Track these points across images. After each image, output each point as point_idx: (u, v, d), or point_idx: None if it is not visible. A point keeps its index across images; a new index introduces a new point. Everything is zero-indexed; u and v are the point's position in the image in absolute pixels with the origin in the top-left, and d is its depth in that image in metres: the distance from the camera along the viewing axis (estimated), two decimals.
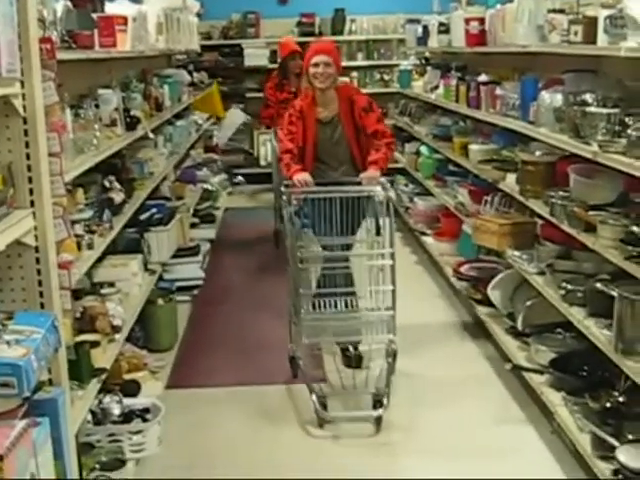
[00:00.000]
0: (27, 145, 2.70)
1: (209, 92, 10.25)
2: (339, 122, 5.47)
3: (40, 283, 2.80)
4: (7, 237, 2.45)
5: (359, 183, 5.19)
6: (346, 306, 5.21)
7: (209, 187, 8.70)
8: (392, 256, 4.96)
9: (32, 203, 2.75)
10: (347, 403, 4.81)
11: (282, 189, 5.19)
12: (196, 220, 7.99)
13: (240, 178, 11.06)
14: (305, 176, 5.17)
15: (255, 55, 11.19)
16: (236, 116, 10.70)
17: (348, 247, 5.38)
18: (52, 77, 2.89)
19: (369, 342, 5.16)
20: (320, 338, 5.14)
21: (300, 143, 5.44)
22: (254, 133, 10.99)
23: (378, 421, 4.52)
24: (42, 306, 2.81)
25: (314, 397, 4.62)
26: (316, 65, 5.33)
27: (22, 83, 2.65)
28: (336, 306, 5.20)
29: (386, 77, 11.37)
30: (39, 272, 2.79)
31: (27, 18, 2.63)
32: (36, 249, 2.78)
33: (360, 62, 11.46)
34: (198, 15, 9.56)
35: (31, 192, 2.74)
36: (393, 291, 4.97)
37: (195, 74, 9.69)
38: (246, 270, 7.61)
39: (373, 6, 11.21)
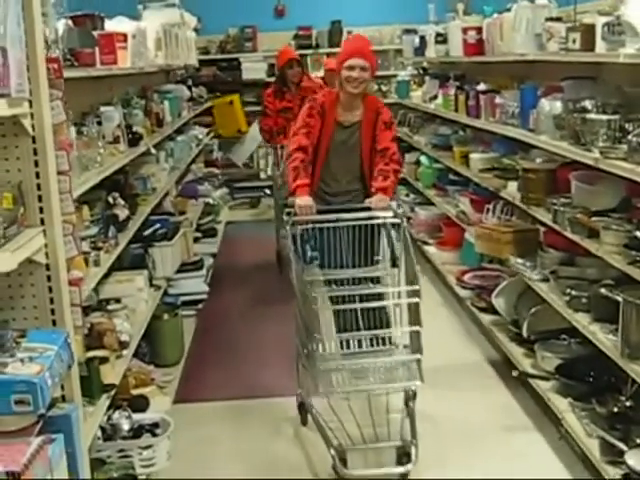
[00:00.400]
0: (36, 164, 2.73)
1: (229, 107, 10.24)
2: (359, 129, 5.04)
3: (52, 300, 2.83)
4: (19, 256, 2.47)
5: (368, 208, 4.73)
6: (359, 346, 4.62)
7: (211, 201, 8.72)
8: (417, 293, 4.28)
9: (42, 221, 2.78)
10: (366, 454, 4.26)
11: (284, 217, 4.68)
12: (198, 234, 8.01)
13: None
14: (308, 202, 4.70)
15: (253, 69, 11.19)
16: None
17: (360, 281, 4.81)
18: (60, 96, 2.92)
19: (389, 389, 4.46)
20: (338, 388, 4.29)
21: (315, 141, 5.00)
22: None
23: (404, 478, 4.02)
24: (54, 323, 2.83)
25: (333, 452, 4.07)
26: (351, 68, 4.87)
27: (30, 103, 2.68)
28: (348, 346, 4.62)
29: (384, 88, 11.39)
30: (50, 290, 2.81)
31: (34, 39, 2.66)
32: (47, 267, 2.81)
33: None
34: (195, 30, 9.59)
35: (41, 210, 2.76)
36: (418, 332, 4.31)
37: (194, 89, 9.72)
38: (249, 283, 7.62)
39: (369, 17, 11.23)
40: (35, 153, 2.72)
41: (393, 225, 4.69)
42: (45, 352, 2.49)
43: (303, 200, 4.71)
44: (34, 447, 2.31)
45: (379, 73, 11.38)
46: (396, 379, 4.32)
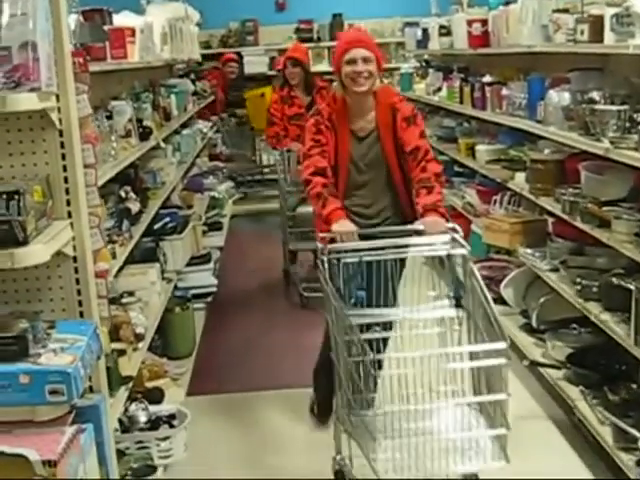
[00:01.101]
0: (63, 157, 2.75)
1: (261, 99, 10.26)
2: (378, 138, 4.19)
3: (79, 292, 2.86)
4: (50, 248, 2.51)
5: (416, 232, 3.88)
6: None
7: (216, 195, 8.73)
8: (505, 353, 3.08)
9: (69, 214, 2.81)
10: None
11: (318, 245, 3.76)
12: (204, 228, 8.02)
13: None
14: (348, 226, 3.86)
15: (254, 62, 11.25)
16: None
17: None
18: (85, 90, 2.95)
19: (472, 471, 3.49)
20: (412, 470, 3.19)
21: (332, 161, 4.17)
22: (255, 140, 11.04)
23: None
24: (81, 315, 2.86)
25: None
26: (352, 62, 4.04)
27: (57, 96, 2.71)
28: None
29: (385, 80, 11.42)
30: (78, 281, 2.85)
31: (61, 33, 2.69)
32: (74, 259, 2.84)
33: None
34: (197, 24, 9.61)
35: (68, 203, 2.79)
36: (505, 402, 3.19)
37: (197, 83, 9.74)
38: (257, 276, 7.63)
39: (371, 10, 11.28)
40: (62, 146, 2.74)
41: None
42: (76, 343, 2.53)
43: (342, 224, 3.87)
44: (68, 436, 2.36)
45: None
46: (477, 457, 3.27)
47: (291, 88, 7.18)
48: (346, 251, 3.74)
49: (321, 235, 3.84)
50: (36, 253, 2.42)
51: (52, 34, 2.56)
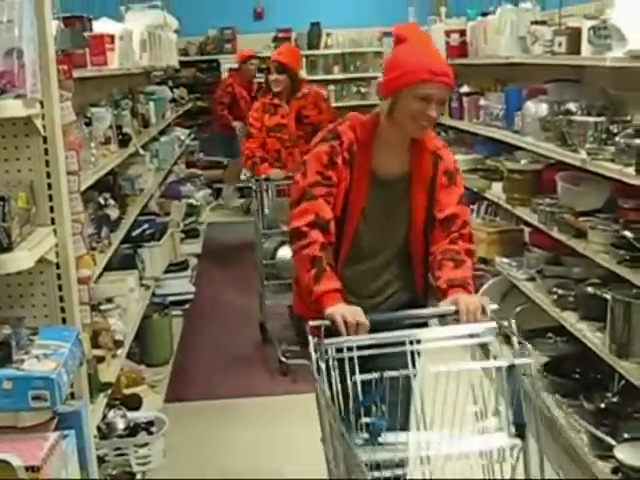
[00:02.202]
0: (47, 164, 2.76)
1: None
2: (409, 187, 3.05)
3: (61, 299, 2.86)
4: (34, 255, 2.51)
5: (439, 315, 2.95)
6: None
7: (193, 202, 8.74)
8: None
9: (53, 220, 2.81)
10: None
11: (309, 340, 2.60)
12: (182, 235, 8.03)
13: None
14: (356, 312, 2.73)
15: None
16: None
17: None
18: (69, 97, 2.96)
19: None
20: None
21: (339, 210, 3.00)
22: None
23: None
24: (64, 321, 2.86)
25: None
26: (427, 99, 2.85)
27: (42, 103, 2.71)
28: None
29: (363, 90, 11.50)
30: (60, 288, 2.85)
31: (46, 39, 2.69)
32: (57, 265, 2.84)
33: (336, 75, 11.64)
34: (175, 31, 9.61)
35: (52, 210, 2.79)
36: None
37: (175, 90, 9.75)
38: (234, 283, 7.59)
39: (348, 20, 11.33)
40: (46, 153, 2.75)
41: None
42: (59, 349, 2.52)
43: (346, 308, 2.75)
44: (51, 442, 2.35)
45: (358, 75, 11.53)
46: None
47: (275, 95, 6.23)
48: (349, 348, 2.59)
49: (312, 324, 2.69)
50: (21, 259, 2.42)
51: (37, 40, 2.57)
